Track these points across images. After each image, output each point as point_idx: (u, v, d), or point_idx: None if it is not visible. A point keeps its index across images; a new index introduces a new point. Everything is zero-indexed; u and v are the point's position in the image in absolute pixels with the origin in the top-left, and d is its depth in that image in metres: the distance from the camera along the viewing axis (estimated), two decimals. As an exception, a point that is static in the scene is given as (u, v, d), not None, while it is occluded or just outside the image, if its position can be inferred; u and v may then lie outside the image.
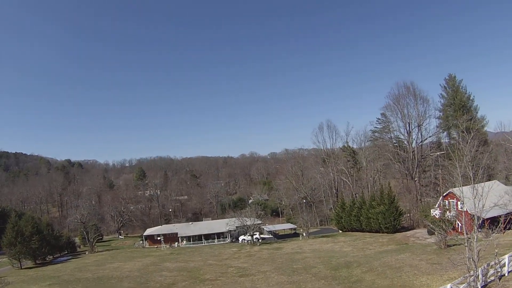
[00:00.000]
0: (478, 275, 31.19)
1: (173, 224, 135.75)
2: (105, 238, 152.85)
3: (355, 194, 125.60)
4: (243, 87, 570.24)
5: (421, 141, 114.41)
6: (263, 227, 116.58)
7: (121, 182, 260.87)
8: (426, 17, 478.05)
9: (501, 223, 39.43)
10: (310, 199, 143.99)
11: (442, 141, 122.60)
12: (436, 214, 76.80)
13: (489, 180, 72.49)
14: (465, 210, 43.46)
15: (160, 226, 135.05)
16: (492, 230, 36.08)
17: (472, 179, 31.42)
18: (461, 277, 33.18)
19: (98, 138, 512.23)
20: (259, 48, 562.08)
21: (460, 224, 65.46)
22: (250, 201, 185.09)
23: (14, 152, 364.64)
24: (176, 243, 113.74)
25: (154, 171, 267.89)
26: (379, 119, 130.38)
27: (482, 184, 31.82)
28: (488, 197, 31.43)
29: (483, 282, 32.48)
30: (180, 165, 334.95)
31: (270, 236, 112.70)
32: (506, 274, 34.70)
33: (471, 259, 30.00)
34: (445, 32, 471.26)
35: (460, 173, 32.22)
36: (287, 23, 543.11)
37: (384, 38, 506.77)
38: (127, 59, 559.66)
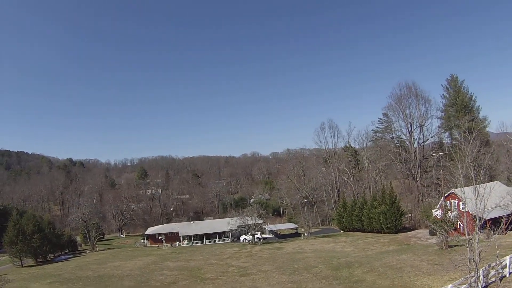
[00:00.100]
0: (479, 276, 31.10)
1: (175, 223, 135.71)
2: (107, 237, 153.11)
3: (357, 194, 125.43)
4: (245, 87, 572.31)
5: (423, 142, 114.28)
6: (264, 226, 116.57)
7: (122, 181, 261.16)
8: (428, 17, 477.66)
9: (503, 224, 39.23)
10: (312, 199, 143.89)
11: (444, 141, 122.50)
12: (437, 214, 76.73)
13: (491, 181, 72.20)
14: (466, 210, 43.43)
15: (161, 225, 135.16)
16: (493, 231, 35.88)
17: (473, 179, 31.33)
18: (462, 278, 33.09)
19: (100, 137, 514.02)
20: (259, 48, 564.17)
21: (461, 225, 65.26)
22: (251, 200, 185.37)
23: (16, 150, 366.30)
24: (178, 242, 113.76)
25: (156, 170, 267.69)
26: (381, 119, 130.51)
27: (484, 184, 31.77)
28: (490, 198, 31.33)
29: (484, 283, 32.37)
30: (182, 165, 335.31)
31: (272, 235, 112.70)
32: (507, 275, 34.60)
33: (472, 260, 29.91)
34: (447, 32, 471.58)
35: (461, 173, 32.12)
36: (287, 23, 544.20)
37: (386, 38, 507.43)
38: (128, 59, 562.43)
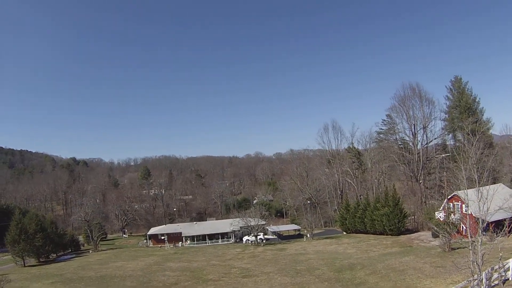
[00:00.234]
0: (482, 279, 30.90)
1: (177, 224, 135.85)
2: (109, 236, 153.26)
3: (360, 196, 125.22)
4: (249, 87, 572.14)
5: (426, 143, 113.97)
6: (267, 227, 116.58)
7: (126, 181, 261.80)
8: (432, 17, 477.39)
9: (506, 227, 38.96)
10: (315, 200, 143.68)
11: (447, 143, 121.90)
12: (440, 216, 76.31)
13: (494, 183, 71.69)
14: (469, 213, 43.18)
15: (164, 226, 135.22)
16: (496, 234, 35.69)
17: (477, 182, 31.10)
18: (465, 281, 32.91)
19: (104, 137, 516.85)
20: (259, 48, 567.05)
21: (464, 227, 64.93)
22: (254, 201, 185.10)
23: (19, 149, 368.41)
24: (180, 242, 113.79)
25: (159, 170, 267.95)
26: (384, 120, 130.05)
27: (487, 187, 31.50)
28: (493, 200, 31.09)
29: (487, 286, 32.15)
30: (185, 165, 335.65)
31: (274, 237, 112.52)
32: (510, 279, 34.42)
33: (475, 263, 29.68)
34: (451, 33, 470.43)
35: (465, 175, 31.90)
36: (288, 23, 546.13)
37: (390, 38, 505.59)
38: (131, 59, 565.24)
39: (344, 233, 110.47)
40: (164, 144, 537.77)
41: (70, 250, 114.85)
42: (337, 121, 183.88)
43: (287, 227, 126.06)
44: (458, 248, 51.76)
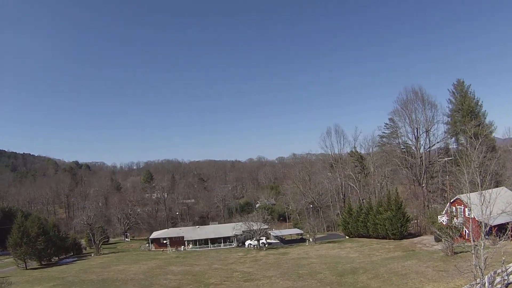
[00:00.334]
0: (485, 283, 30.79)
1: (180, 228, 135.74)
2: (111, 240, 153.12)
3: (362, 200, 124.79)
4: (250, 90, 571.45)
5: (429, 147, 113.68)
6: (269, 232, 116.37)
7: (128, 185, 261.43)
8: (435, 21, 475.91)
9: (509, 231, 38.84)
10: (317, 204, 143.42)
11: (450, 147, 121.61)
12: (443, 220, 76.16)
13: (497, 186, 71.75)
14: (472, 217, 43.02)
15: (166, 230, 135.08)
16: (499, 238, 35.60)
17: (479, 185, 31.06)
18: (468, 285, 32.83)
19: (106, 140, 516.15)
20: (261, 51, 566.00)
21: (467, 231, 64.78)
22: (257, 205, 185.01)
23: (22, 152, 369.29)
24: (182, 246, 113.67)
25: (162, 174, 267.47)
26: (387, 124, 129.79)
27: (490, 190, 31.48)
28: (496, 204, 31.03)
29: (489, 290, 32.05)
30: (188, 169, 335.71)
31: (277, 241, 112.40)
32: (513, 283, 34.26)
33: (478, 267, 29.58)
34: (454, 37, 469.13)
35: (467, 179, 31.85)
36: (290, 23, 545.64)
37: (392, 42, 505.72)
38: (134, 60, 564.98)
39: (347, 237, 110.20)
40: (167, 148, 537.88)
41: (72, 254, 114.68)
42: (339, 125, 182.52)
43: (290, 231, 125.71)
44: (460, 252, 51.66)
